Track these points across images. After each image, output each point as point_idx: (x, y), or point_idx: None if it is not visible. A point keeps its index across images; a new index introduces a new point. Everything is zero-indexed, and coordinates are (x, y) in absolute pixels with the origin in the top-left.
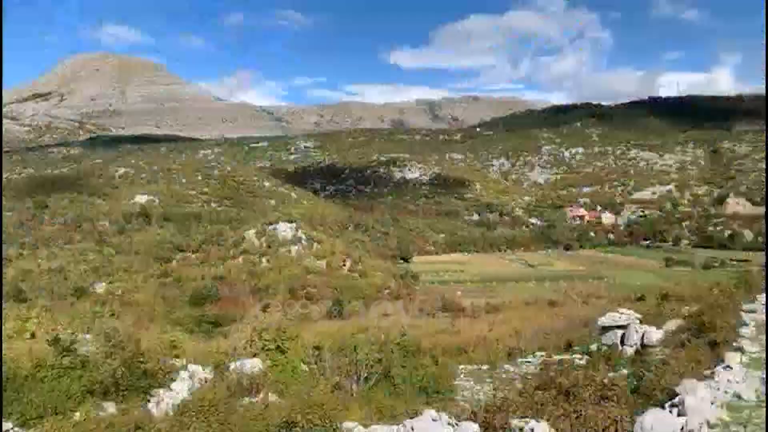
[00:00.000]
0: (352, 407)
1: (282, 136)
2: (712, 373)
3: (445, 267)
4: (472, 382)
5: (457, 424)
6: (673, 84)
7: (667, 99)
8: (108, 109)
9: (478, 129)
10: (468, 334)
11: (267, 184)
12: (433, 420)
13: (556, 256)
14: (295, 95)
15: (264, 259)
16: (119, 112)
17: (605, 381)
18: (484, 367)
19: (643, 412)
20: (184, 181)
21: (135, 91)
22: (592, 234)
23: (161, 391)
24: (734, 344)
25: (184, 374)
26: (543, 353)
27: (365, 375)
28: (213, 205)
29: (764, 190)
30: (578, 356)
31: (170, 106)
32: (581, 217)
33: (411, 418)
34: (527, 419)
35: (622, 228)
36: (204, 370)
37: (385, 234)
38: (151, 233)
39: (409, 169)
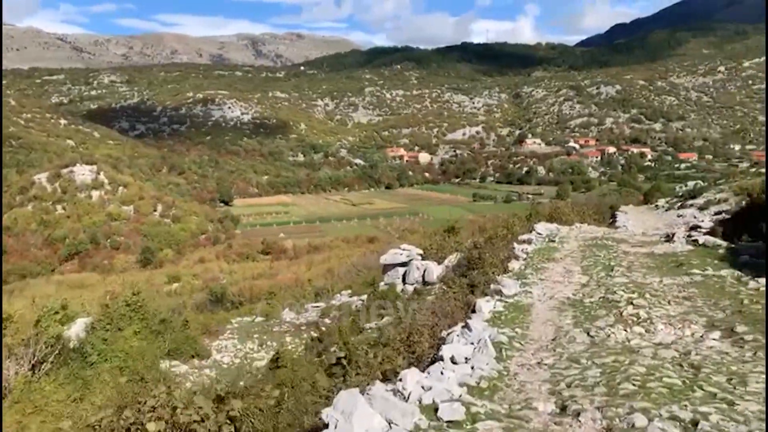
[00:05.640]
0: None
1: (82, 69)
2: (448, 335)
3: (269, 209)
4: (235, 341)
5: None
6: (483, 31)
7: (478, 45)
8: None
9: (302, 68)
10: (284, 277)
11: (63, 122)
12: None
13: (378, 195)
14: (99, 23)
15: (59, 207)
16: None
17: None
18: (259, 319)
19: None
20: None
21: None
22: (410, 173)
23: None
24: (493, 285)
25: None
26: (349, 291)
27: (40, 356)
28: None
29: (555, 130)
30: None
31: None
32: (401, 157)
33: None
34: None
35: (436, 167)
36: None
37: (203, 176)
38: None
39: (229, 108)
